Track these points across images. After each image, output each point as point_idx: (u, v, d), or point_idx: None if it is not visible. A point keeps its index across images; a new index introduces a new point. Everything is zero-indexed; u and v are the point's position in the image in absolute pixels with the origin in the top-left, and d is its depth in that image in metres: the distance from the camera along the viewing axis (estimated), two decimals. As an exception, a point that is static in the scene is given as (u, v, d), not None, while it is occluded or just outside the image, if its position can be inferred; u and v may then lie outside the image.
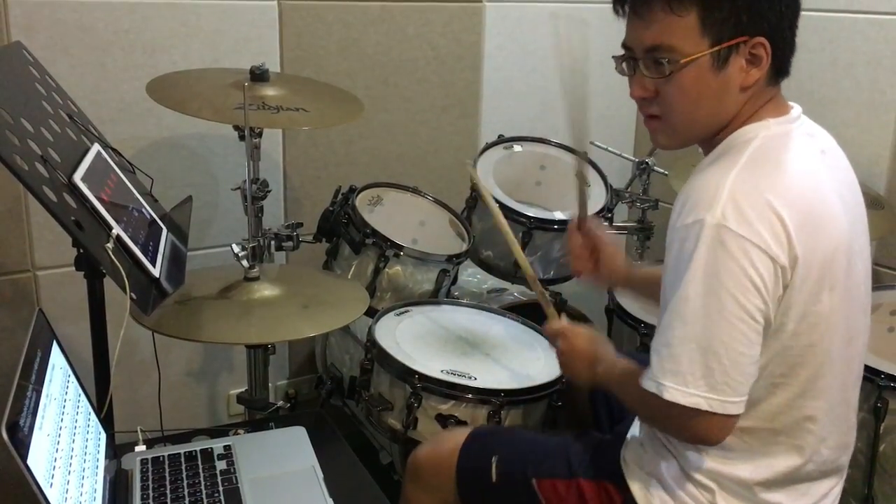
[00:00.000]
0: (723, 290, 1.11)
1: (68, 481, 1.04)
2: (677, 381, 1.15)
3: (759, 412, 1.23)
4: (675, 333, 1.15)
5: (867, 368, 1.64)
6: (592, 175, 2.35)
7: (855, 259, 1.23)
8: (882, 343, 1.92)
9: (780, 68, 1.23)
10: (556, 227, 2.15)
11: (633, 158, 2.47)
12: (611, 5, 1.26)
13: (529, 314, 1.99)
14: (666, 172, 2.38)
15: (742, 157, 1.18)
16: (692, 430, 1.19)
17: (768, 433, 1.25)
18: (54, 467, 1.00)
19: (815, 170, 1.22)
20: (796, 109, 1.28)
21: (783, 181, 1.16)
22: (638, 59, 1.23)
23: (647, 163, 2.40)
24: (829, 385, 1.24)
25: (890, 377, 1.67)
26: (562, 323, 1.55)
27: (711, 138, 1.26)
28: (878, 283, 2.12)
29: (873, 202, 2.20)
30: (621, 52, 1.27)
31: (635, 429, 1.41)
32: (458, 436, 1.52)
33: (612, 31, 1.30)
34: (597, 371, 1.43)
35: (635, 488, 1.33)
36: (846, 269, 1.20)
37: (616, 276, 1.64)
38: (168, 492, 1.25)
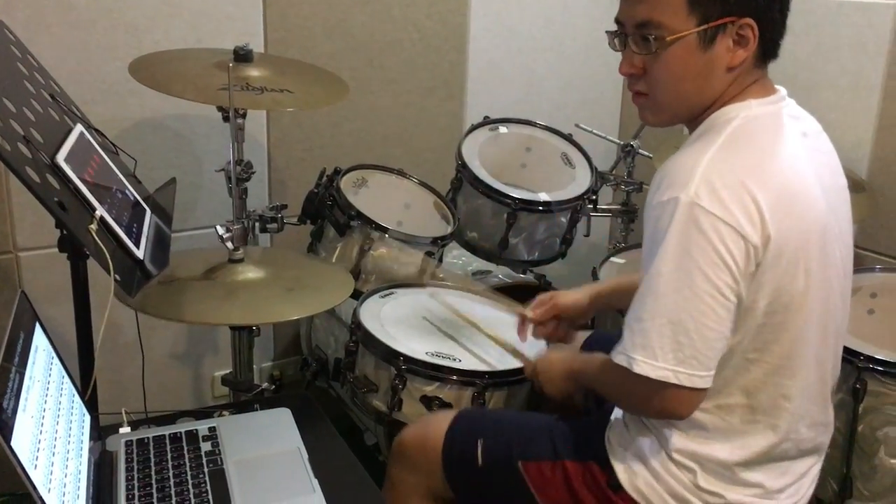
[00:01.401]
0: (694, 266, 1.14)
1: (52, 463, 1.03)
2: (646, 354, 1.17)
3: (735, 389, 1.25)
4: (646, 308, 1.18)
5: (847, 350, 1.66)
6: (577, 157, 2.35)
7: (832, 241, 1.25)
8: (862, 325, 1.94)
9: (767, 50, 1.25)
10: (540, 208, 2.15)
11: (618, 141, 2.48)
12: None
13: (514, 296, 2.00)
14: (650, 155, 2.39)
15: (720, 136, 1.20)
16: (660, 403, 1.21)
17: (746, 410, 1.27)
18: (38, 449, 1.00)
19: (793, 151, 1.23)
20: (781, 92, 1.29)
21: (759, 161, 1.18)
22: (628, 34, 1.25)
23: (631, 146, 2.41)
24: (803, 363, 1.26)
25: (869, 359, 1.69)
26: (532, 361, 1.60)
27: (696, 118, 1.27)
28: (859, 266, 2.13)
29: (855, 186, 2.22)
30: (603, 37, 1.29)
31: (619, 410, 1.43)
32: (444, 418, 1.53)
33: (598, 13, 1.30)
34: (574, 370, 1.47)
35: (619, 469, 1.35)
36: (821, 251, 1.22)
37: (589, 310, 1.69)
38: (153, 473, 1.25)
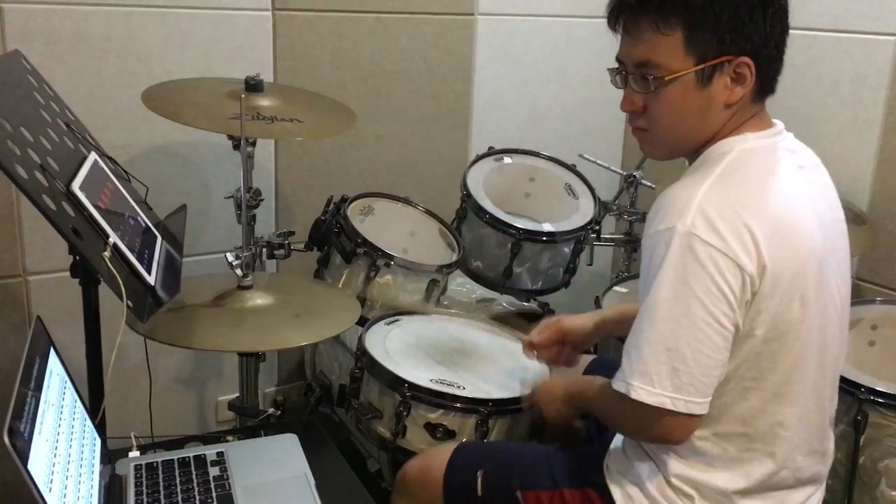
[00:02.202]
0: (691, 295, 1.16)
1: (66, 486, 1.05)
2: (644, 381, 1.19)
3: (732, 416, 1.27)
4: (643, 336, 1.20)
5: (848, 381, 1.68)
6: (581, 187, 2.38)
7: (828, 272, 1.27)
8: (863, 356, 1.96)
9: (765, 86, 1.27)
10: (544, 238, 2.17)
11: (621, 171, 2.50)
12: (600, 20, 1.30)
13: (518, 324, 2.02)
14: (653, 186, 2.41)
15: (717, 168, 1.22)
16: (657, 429, 1.23)
17: (743, 439, 1.28)
18: (53, 472, 1.02)
19: (789, 183, 1.25)
20: (778, 125, 1.32)
21: (754, 193, 1.20)
22: (628, 73, 1.28)
23: (634, 176, 2.43)
24: (800, 391, 1.27)
25: (870, 391, 1.70)
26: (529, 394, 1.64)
27: (696, 151, 1.30)
28: (860, 298, 2.16)
29: (856, 218, 2.25)
30: (606, 71, 1.32)
31: (619, 438, 1.44)
32: (445, 451, 1.54)
33: (601, 45, 1.33)
34: (572, 393, 1.50)
35: (617, 495, 1.36)
36: (818, 281, 1.24)
37: (592, 336, 1.71)
38: (162, 497, 1.26)
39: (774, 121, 1.33)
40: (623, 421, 1.34)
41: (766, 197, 1.21)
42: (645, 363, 1.19)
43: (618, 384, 1.23)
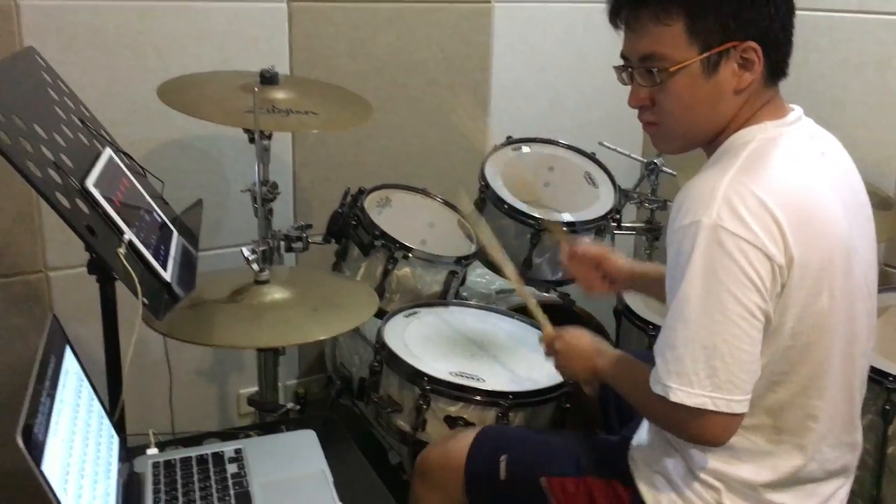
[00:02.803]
0: (722, 289, 1.13)
1: (82, 486, 1.05)
2: (682, 382, 1.16)
3: (761, 409, 1.24)
4: (678, 335, 1.17)
5: (875, 371, 1.64)
6: (600, 176, 2.35)
7: (855, 260, 1.24)
8: (891, 345, 1.92)
9: (775, 70, 1.25)
10: (564, 228, 2.15)
11: (642, 159, 2.47)
12: None
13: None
14: (674, 173, 2.38)
15: (738, 159, 1.20)
16: (698, 430, 1.20)
17: (772, 431, 1.26)
18: (68, 472, 1.02)
19: (811, 171, 1.23)
20: (796, 112, 1.29)
21: (778, 182, 1.17)
22: (633, 68, 1.27)
23: (655, 163, 2.40)
24: (830, 384, 1.25)
25: (899, 380, 1.67)
26: (554, 333, 1.58)
27: (711, 142, 1.28)
28: (887, 285, 2.12)
29: (882, 203, 2.20)
30: (621, 62, 1.30)
31: (644, 429, 1.43)
32: (467, 435, 1.53)
33: (620, 31, 1.31)
34: (596, 364, 1.45)
35: (643, 487, 1.35)
36: (845, 270, 1.21)
37: (623, 280, 1.67)
38: (180, 495, 1.26)
39: (792, 106, 1.30)
40: (663, 422, 1.30)
41: (790, 186, 1.18)
42: (681, 363, 1.16)
43: (655, 386, 1.20)
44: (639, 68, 1.25)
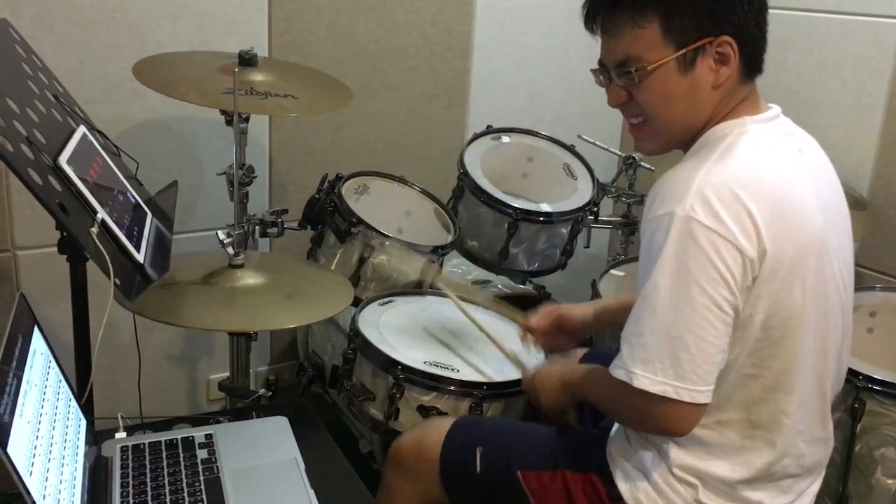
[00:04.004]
0: (692, 280, 1.14)
1: (48, 469, 1.03)
2: (647, 368, 1.17)
3: (734, 404, 1.25)
4: (645, 323, 1.18)
5: (846, 369, 1.66)
6: (579, 168, 2.35)
7: (830, 256, 1.25)
8: (862, 344, 1.94)
9: (751, 65, 1.27)
10: (541, 218, 2.15)
11: (620, 153, 2.48)
12: None
13: (513, 305, 1.99)
14: (652, 168, 2.39)
15: (715, 152, 1.21)
16: (659, 418, 1.21)
17: (745, 425, 1.26)
18: (34, 455, 0.99)
19: (788, 166, 1.24)
20: (775, 109, 1.31)
21: (753, 175, 1.19)
22: (611, 71, 1.28)
23: (633, 158, 2.40)
24: (801, 379, 1.26)
25: (868, 378, 1.69)
26: (531, 373, 1.61)
27: (691, 140, 1.29)
28: (860, 285, 2.13)
29: (857, 203, 2.22)
30: (597, 66, 1.32)
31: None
32: (442, 425, 1.53)
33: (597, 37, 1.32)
34: (569, 382, 1.47)
35: (620, 481, 1.35)
36: (819, 265, 1.22)
37: (592, 326, 1.71)
38: (148, 479, 1.24)
39: (770, 105, 1.31)
40: (623, 411, 1.31)
41: (766, 180, 1.19)
42: (647, 350, 1.17)
43: (618, 372, 1.21)
44: (616, 71, 1.27)
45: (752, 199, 1.15)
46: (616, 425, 1.42)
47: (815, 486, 1.37)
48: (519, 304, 1.97)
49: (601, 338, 2.11)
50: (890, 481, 1.70)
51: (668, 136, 1.30)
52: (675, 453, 1.29)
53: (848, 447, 1.72)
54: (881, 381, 1.69)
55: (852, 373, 1.69)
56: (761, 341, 1.21)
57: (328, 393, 2.24)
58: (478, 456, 1.46)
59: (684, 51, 1.21)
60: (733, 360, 1.21)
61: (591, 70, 1.32)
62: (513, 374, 1.71)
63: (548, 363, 1.64)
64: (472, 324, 1.80)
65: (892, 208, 2.28)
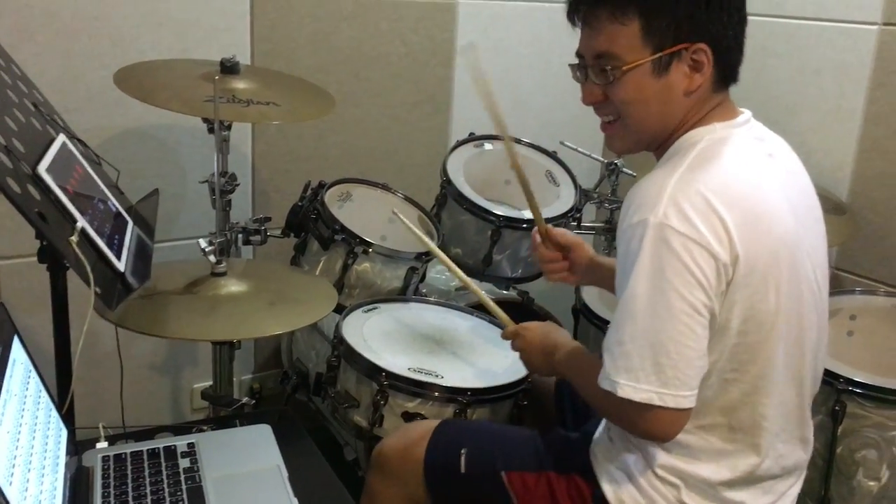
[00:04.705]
0: (668, 286, 1.15)
1: (28, 479, 1.02)
2: (629, 377, 1.18)
3: (714, 409, 1.26)
4: (625, 331, 1.18)
5: (826, 372, 1.66)
6: (562, 175, 2.36)
7: (803, 259, 1.26)
8: (841, 347, 1.96)
9: (725, 74, 1.28)
10: (524, 225, 2.15)
11: (602, 159, 2.48)
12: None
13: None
14: (634, 174, 2.40)
15: (686, 159, 1.22)
16: (645, 425, 1.21)
17: (726, 430, 1.27)
18: (14, 465, 0.99)
19: (759, 171, 1.25)
20: (745, 115, 1.32)
21: (724, 181, 1.20)
22: (588, 66, 1.29)
23: (615, 164, 2.42)
24: (779, 381, 1.27)
25: (848, 381, 1.71)
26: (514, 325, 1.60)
27: (662, 144, 1.30)
28: (839, 288, 2.16)
29: (835, 208, 2.25)
30: (576, 60, 1.33)
31: (603, 426, 1.43)
32: (425, 427, 1.53)
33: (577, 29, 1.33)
34: (554, 360, 1.47)
35: (604, 482, 1.35)
36: (792, 269, 1.23)
37: (583, 270, 1.67)
38: (130, 489, 1.23)
39: (741, 109, 1.33)
40: (610, 415, 1.33)
41: (737, 186, 1.21)
42: (629, 359, 1.18)
43: (603, 382, 1.22)
44: (593, 66, 1.27)
45: (724, 205, 1.16)
46: (600, 428, 1.43)
47: (797, 488, 1.38)
48: (503, 310, 1.97)
49: (586, 339, 2.12)
50: (871, 483, 1.72)
51: (638, 135, 1.31)
52: (659, 455, 1.30)
53: (829, 449, 1.73)
54: (862, 383, 1.71)
55: (833, 375, 1.70)
56: (738, 346, 1.22)
57: (312, 401, 2.23)
58: (462, 457, 1.46)
59: (660, 54, 1.22)
60: (713, 365, 1.22)
61: (570, 65, 1.33)
62: (498, 379, 1.71)
63: (537, 325, 1.59)
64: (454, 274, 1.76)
65: (870, 213, 2.31)
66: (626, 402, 1.18)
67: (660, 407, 1.17)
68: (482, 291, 1.75)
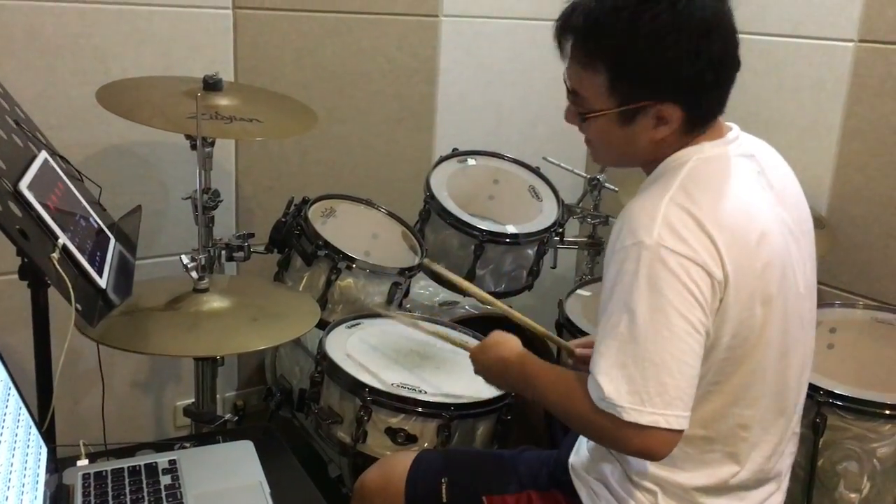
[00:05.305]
0: (668, 305, 1.15)
1: (7, 497, 1.01)
2: (634, 400, 1.16)
3: (693, 420, 1.24)
4: (626, 354, 1.16)
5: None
6: (544, 190, 2.38)
7: (792, 274, 1.27)
8: (821, 360, 1.96)
9: (697, 123, 1.25)
10: (507, 240, 2.17)
11: (585, 175, 2.51)
12: None
13: (481, 327, 2.00)
14: (616, 189, 2.42)
15: (676, 180, 1.22)
16: (642, 445, 1.19)
17: (703, 441, 1.28)
18: (-8, 483, 0.98)
19: (747, 190, 1.25)
20: (734, 131, 1.31)
21: (712, 202, 1.20)
22: (568, 90, 1.30)
23: (598, 179, 2.44)
24: (760, 394, 1.27)
25: (829, 394, 1.71)
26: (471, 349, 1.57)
27: (647, 164, 1.30)
28: (818, 301, 2.16)
29: (815, 222, 2.25)
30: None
31: (582, 438, 1.43)
32: (405, 458, 1.53)
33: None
34: (511, 378, 1.44)
35: (583, 494, 1.36)
36: (780, 285, 1.24)
37: None
38: (110, 507, 1.23)
39: (729, 124, 1.32)
40: (599, 435, 1.28)
41: (725, 205, 1.21)
42: (632, 382, 1.16)
43: (603, 404, 1.19)
44: (570, 96, 1.29)
45: (713, 226, 1.17)
46: (578, 442, 1.43)
47: (778, 497, 1.38)
48: (486, 324, 1.98)
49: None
50: (853, 495, 1.72)
51: (613, 164, 1.37)
52: (637, 464, 1.30)
53: (811, 462, 1.74)
54: (842, 395, 1.71)
55: (814, 388, 1.71)
56: (724, 360, 1.23)
57: (296, 417, 2.22)
58: (444, 486, 1.46)
59: (625, 108, 1.22)
60: (700, 378, 1.22)
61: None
62: (481, 393, 1.71)
63: (491, 336, 1.55)
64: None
65: (849, 226, 2.33)
66: (629, 425, 1.17)
67: (663, 429, 1.17)
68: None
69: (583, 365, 1.63)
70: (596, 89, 1.23)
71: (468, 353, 1.57)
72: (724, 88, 1.25)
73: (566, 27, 1.25)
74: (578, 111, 1.27)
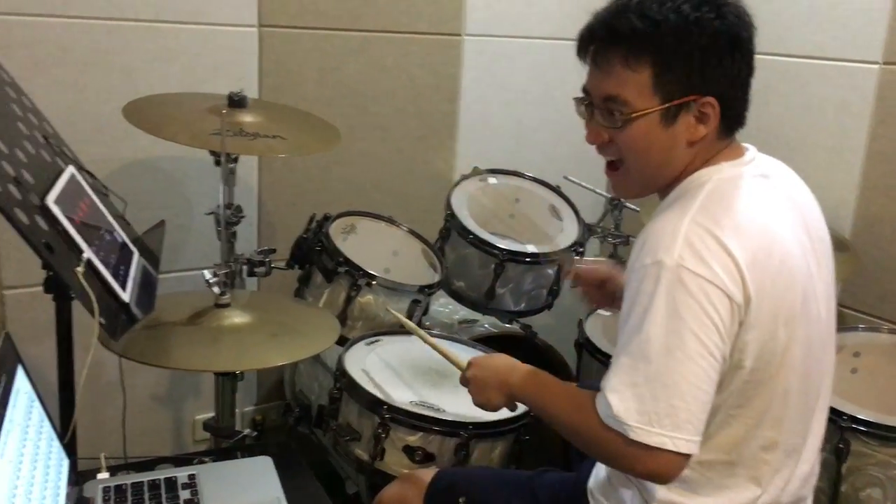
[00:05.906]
0: (684, 327, 1.14)
1: (28, 509, 1.02)
2: (642, 419, 1.15)
3: (715, 445, 1.24)
4: (639, 373, 1.16)
5: (830, 409, 1.66)
6: (565, 209, 2.38)
7: (812, 296, 1.26)
8: (845, 384, 1.95)
9: (731, 124, 1.27)
10: (527, 259, 2.16)
11: (606, 194, 2.50)
12: None
13: (500, 346, 2.00)
14: (637, 209, 2.41)
15: (696, 200, 1.21)
16: (649, 466, 1.18)
17: (725, 466, 1.26)
18: (15, 495, 0.99)
19: (769, 211, 1.25)
20: (751, 152, 1.31)
21: (734, 222, 1.19)
22: (594, 105, 1.27)
23: (619, 199, 2.43)
24: (783, 417, 1.26)
25: (852, 419, 1.70)
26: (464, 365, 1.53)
27: (667, 186, 1.29)
28: (842, 325, 2.15)
29: (838, 245, 2.23)
30: (581, 94, 1.31)
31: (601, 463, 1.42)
32: (423, 477, 1.52)
33: (586, 68, 1.33)
34: (511, 385, 1.41)
35: None
36: (803, 306, 1.23)
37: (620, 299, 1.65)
38: (130, 520, 1.23)
39: (745, 145, 1.32)
40: (607, 455, 1.27)
41: (748, 226, 1.20)
42: (642, 401, 1.15)
43: (610, 421, 1.18)
44: (600, 107, 1.26)
45: (736, 247, 1.16)
46: (597, 466, 1.42)
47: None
48: (505, 343, 1.98)
49: (588, 371, 2.11)
50: (876, 522, 1.70)
51: (641, 182, 1.31)
52: (658, 491, 1.28)
53: (834, 488, 1.72)
54: (866, 421, 1.70)
55: (837, 413, 1.70)
56: (747, 383, 1.21)
57: (315, 433, 2.22)
58: None
59: (669, 104, 1.22)
60: (722, 401, 1.21)
61: (574, 98, 1.32)
62: (499, 414, 1.70)
63: (487, 357, 1.52)
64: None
65: (874, 249, 2.31)
66: (636, 445, 1.16)
67: (671, 451, 1.16)
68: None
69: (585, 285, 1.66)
70: (639, 88, 1.21)
71: (465, 365, 1.52)
72: (748, 88, 1.26)
73: (613, 33, 1.23)
74: (617, 118, 1.24)
